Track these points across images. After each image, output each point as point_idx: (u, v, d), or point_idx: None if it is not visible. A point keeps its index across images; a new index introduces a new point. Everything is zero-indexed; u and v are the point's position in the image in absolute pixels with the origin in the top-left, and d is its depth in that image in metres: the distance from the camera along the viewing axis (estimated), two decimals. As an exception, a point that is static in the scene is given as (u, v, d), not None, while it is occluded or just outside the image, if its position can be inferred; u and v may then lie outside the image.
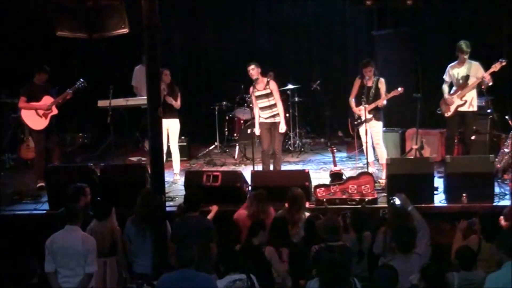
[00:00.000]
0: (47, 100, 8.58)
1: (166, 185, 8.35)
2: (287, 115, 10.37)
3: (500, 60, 7.96)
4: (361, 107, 8.28)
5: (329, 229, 5.71)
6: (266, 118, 8.53)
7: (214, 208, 6.83)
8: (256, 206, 6.48)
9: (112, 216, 6.25)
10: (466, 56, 8.12)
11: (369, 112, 8.34)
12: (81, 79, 8.72)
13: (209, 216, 6.63)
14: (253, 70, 8.39)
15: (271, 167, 8.62)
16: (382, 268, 4.95)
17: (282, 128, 8.52)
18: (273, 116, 8.51)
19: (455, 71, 8.28)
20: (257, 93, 8.48)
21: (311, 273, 5.33)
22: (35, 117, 8.58)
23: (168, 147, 8.93)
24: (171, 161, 9.06)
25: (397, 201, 5.92)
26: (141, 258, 6.08)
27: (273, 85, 8.51)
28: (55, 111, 8.62)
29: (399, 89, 8.20)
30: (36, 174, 8.75)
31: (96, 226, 6.11)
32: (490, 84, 8.08)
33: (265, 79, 8.51)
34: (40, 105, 8.54)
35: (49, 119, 8.58)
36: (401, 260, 5.17)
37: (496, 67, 7.98)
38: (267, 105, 8.49)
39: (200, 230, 6.02)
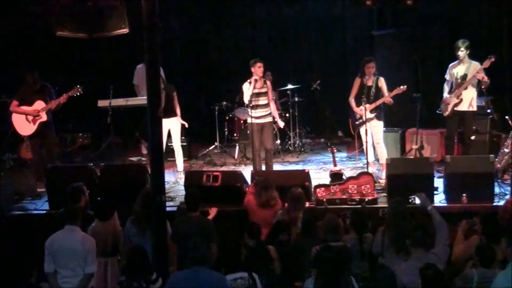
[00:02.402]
0: (39, 105, 8.45)
1: (170, 185, 8.40)
2: (287, 115, 10.40)
3: (489, 56, 7.97)
4: (362, 107, 8.29)
5: (329, 229, 5.72)
6: (257, 118, 8.49)
7: (213, 211, 6.85)
8: (265, 195, 6.73)
9: (114, 216, 6.26)
10: (461, 53, 8.12)
11: (371, 111, 8.36)
12: (78, 86, 8.57)
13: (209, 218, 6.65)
14: (261, 68, 8.39)
15: (263, 167, 8.62)
16: (381, 270, 4.95)
17: (281, 124, 8.89)
18: (265, 116, 8.52)
19: (454, 70, 8.30)
20: (255, 91, 8.45)
21: (309, 273, 5.33)
22: (23, 122, 8.49)
23: (168, 146, 8.93)
24: (171, 161, 9.05)
25: (417, 201, 5.94)
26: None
27: (269, 85, 8.61)
28: (44, 117, 8.46)
29: (402, 86, 8.23)
30: (35, 177, 8.73)
31: (98, 226, 6.11)
32: (485, 80, 8.05)
33: (262, 78, 8.53)
34: (30, 111, 8.44)
35: (38, 125, 8.46)
36: (417, 259, 5.16)
37: (486, 64, 7.99)
38: (263, 103, 8.50)
39: (200, 230, 6.03)
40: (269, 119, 8.57)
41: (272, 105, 8.62)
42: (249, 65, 8.43)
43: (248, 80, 8.43)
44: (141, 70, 9.95)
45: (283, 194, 6.85)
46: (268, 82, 8.61)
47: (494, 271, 5.17)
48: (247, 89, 8.43)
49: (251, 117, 8.44)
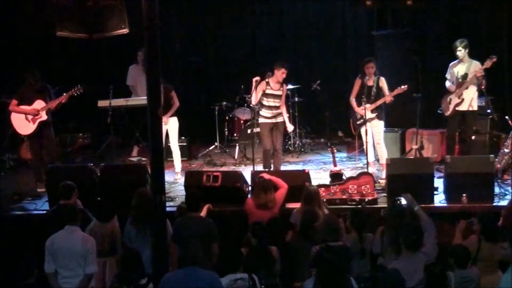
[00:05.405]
0: (38, 104, 8.45)
1: (167, 185, 8.38)
2: (287, 115, 10.39)
3: (490, 56, 7.98)
4: (362, 107, 8.29)
5: (329, 229, 5.72)
6: (268, 118, 8.56)
7: (204, 209, 6.81)
8: (265, 197, 6.69)
9: (114, 217, 6.26)
10: (459, 53, 8.16)
11: (372, 111, 8.36)
12: (79, 85, 8.57)
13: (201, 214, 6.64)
14: (284, 74, 8.41)
15: (272, 167, 8.62)
16: (388, 272, 4.95)
17: (290, 127, 8.91)
18: (275, 116, 8.56)
19: (455, 70, 8.33)
20: (269, 91, 8.48)
21: (309, 273, 5.33)
22: (23, 121, 8.48)
23: (168, 146, 8.92)
24: (171, 161, 9.05)
25: (403, 201, 5.94)
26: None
27: (284, 89, 8.65)
28: (44, 116, 8.46)
29: (403, 86, 8.24)
30: (35, 177, 8.73)
31: (96, 226, 6.12)
32: (482, 75, 8.04)
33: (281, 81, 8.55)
34: (29, 110, 8.43)
35: (37, 124, 8.45)
36: (407, 259, 5.18)
37: (487, 64, 8.00)
38: (276, 105, 8.53)
39: (201, 230, 6.03)
40: (281, 119, 8.61)
41: (284, 109, 8.65)
42: (273, 66, 8.46)
43: (266, 80, 8.48)
44: (134, 70, 9.93)
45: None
46: (285, 87, 8.65)
47: (471, 270, 5.23)
48: (256, 88, 8.44)
49: (264, 117, 8.53)
